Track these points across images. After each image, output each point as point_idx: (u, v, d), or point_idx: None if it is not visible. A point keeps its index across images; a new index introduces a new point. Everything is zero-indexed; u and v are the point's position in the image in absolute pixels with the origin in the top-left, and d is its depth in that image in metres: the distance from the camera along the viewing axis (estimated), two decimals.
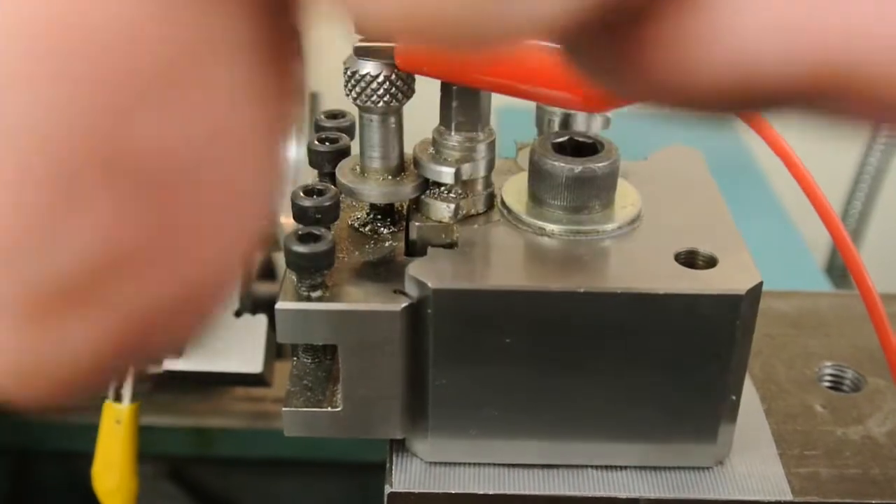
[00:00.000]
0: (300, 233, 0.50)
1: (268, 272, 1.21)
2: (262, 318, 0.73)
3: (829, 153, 1.34)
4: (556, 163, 0.54)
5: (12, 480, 1.07)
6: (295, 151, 0.85)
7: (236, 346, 0.72)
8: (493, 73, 0.50)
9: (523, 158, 0.61)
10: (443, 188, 0.55)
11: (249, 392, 1.01)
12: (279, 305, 0.51)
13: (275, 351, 0.79)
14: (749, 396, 0.61)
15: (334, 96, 0.96)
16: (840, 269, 1.23)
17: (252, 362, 0.72)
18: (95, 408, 1.00)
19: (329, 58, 1.00)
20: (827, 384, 0.64)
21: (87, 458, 1.03)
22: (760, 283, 0.51)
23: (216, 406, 1.00)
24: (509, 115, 0.57)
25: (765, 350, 0.66)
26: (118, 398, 0.72)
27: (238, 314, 0.73)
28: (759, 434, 0.58)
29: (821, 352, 0.65)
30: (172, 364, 0.72)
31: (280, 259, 1.22)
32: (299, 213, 0.52)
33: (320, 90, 0.92)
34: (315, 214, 0.51)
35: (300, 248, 0.49)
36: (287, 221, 0.81)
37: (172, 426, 0.99)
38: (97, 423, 0.93)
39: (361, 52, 0.52)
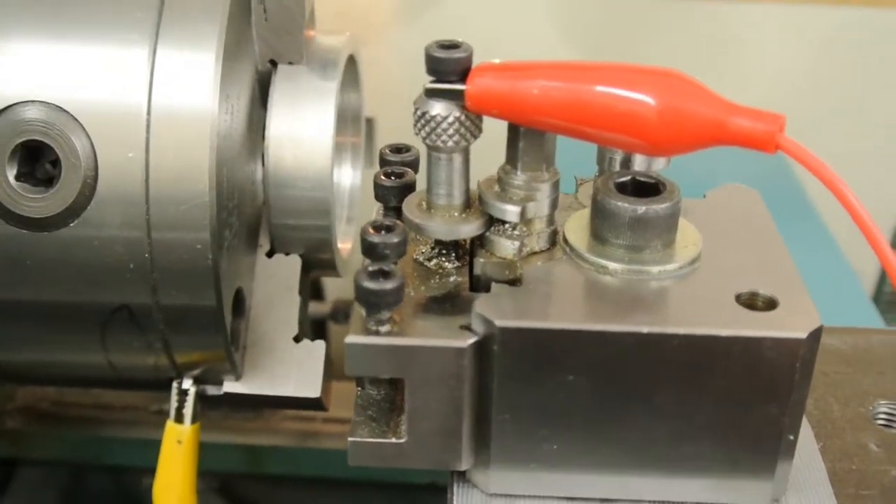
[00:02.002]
0: (370, 269, 0.52)
1: (316, 291, 1.23)
2: (320, 344, 0.75)
3: (881, 177, 1.34)
4: (619, 203, 0.55)
5: (66, 494, 1.10)
6: (353, 177, 0.87)
7: (295, 371, 0.74)
8: (560, 116, 0.51)
9: (584, 194, 0.62)
10: (507, 226, 0.56)
11: (299, 412, 1.02)
12: (349, 339, 0.52)
13: (330, 375, 0.80)
14: (804, 434, 0.62)
15: (388, 121, 0.98)
16: (888, 297, 1.23)
17: (310, 387, 0.73)
18: (147, 423, 1.03)
19: (380, 81, 1.02)
20: (881, 422, 0.64)
21: (137, 472, 1.06)
22: (820, 328, 0.51)
23: (267, 424, 1.02)
24: (563, 148, 0.58)
25: (819, 387, 0.66)
26: (180, 419, 0.74)
27: (297, 339, 0.75)
28: (814, 473, 0.59)
29: (875, 390, 0.66)
30: (231, 386, 0.74)
31: (328, 280, 1.23)
32: (368, 249, 0.53)
33: (375, 115, 0.94)
34: (384, 251, 0.53)
35: (370, 285, 0.51)
36: (344, 247, 0.82)
37: (224, 443, 1.01)
38: (149, 437, 0.96)
39: (432, 94, 0.53)
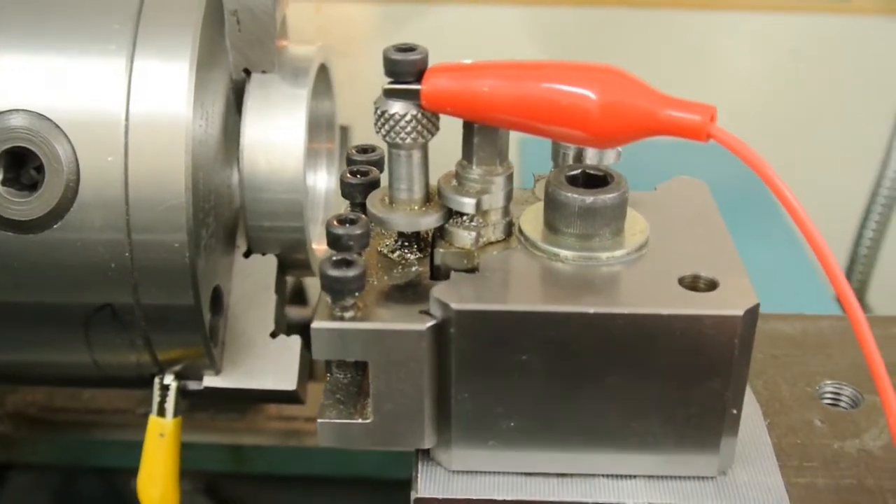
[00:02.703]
0: (334, 259, 0.55)
1: (300, 297, 1.26)
2: (296, 339, 0.78)
3: (843, 184, 1.38)
4: (569, 194, 0.58)
5: (57, 497, 1.13)
6: (328, 181, 0.91)
7: (272, 365, 0.77)
8: (509, 112, 0.55)
9: (540, 189, 0.66)
10: (465, 217, 0.60)
11: (282, 411, 1.05)
12: (315, 325, 0.55)
13: (308, 371, 0.83)
14: (752, 412, 0.65)
15: (365, 129, 1.02)
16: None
17: (287, 380, 0.77)
18: (136, 425, 1.05)
19: (358, 92, 1.06)
20: (827, 401, 0.67)
21: (127, 473, 1.08)
22: (757, 305, 0.55)
23: (251, 425, 1.05)
24: (531, 146, 0.61)
25: (769, 369, 0.70)
26: (162, 413, 0.77)
27: (274, 335, 0.78)
28: (760, 447, 0.62)
29: (822, 371, 0.69)
30: (211, 381, 0.77)
31: (311, 284, 1.27)
32: (333, 241, 0.57)
33: (351, 123, 0.97)
34: (348, 242, 0.56)
35: (334, 273, 0.54)
36: (319, 248, 0.86)
37: (209, 443, 1.04)
38: (137, 439, 0.98)
39: (390, 94, 0.57)
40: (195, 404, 0.86)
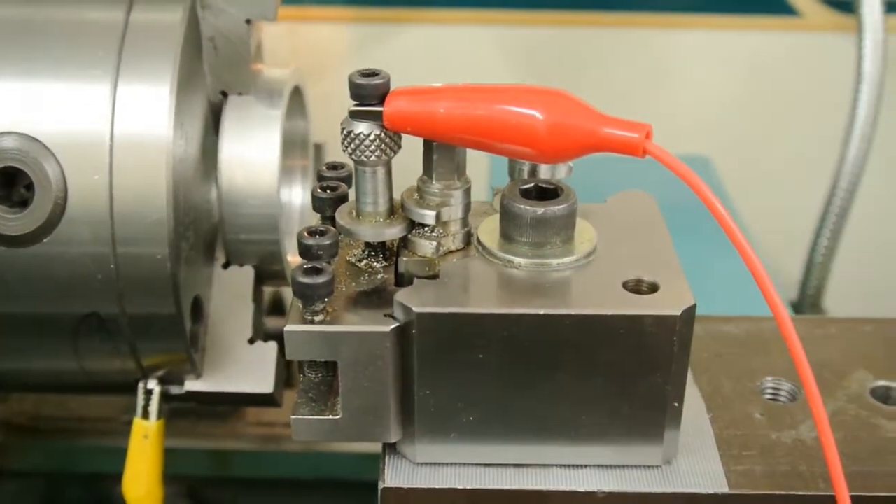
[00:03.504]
0: (305, 267, 0.60)
1: (278, 308, 1.31)
2: (272, 345, 0.83)
3: (798, 195, 1.43)
4: (522, 206, 0.63)
5: (44, 502, 1.16)
6: (304, 196, 0.96)
7: (250, 370, 0.82)
8: (463, 131, 0.60)
9: (498, 202, 0.71)
10: (426, 228, 0.64)
11: (261, 418, 1.10)
12: (287, 328, 0.60)
13: (284, 378, 0.88)
14: (696, 406, 0.70)
15: (339, 145, 1.06)
16: (811, 299, 1.32)
17: (264, 383, 0.81)
18: (120, 433, 1.10)
19: (332, 111, 1.11)
20: (768, 396, 0.72)
21: (112, 479, 1.12)
22: (694, 306, 0.60)
23: (231, 430, 1.09)
24: (500, 162, 0.66)
25: (713, 367, 0.75)
26: (146, 416, 0.81)
27: (251, 341, 0.83)
28: (703, 438, 0.67)
29: (763, 368, 0.74)
30: (192, 385, 0.81)
31: (288, 295, 1.31)
32: (304, 251, 0.61)
33: (325, 141, 1.02)
34: (317, 251, 0.61)
35: (304, 280, 0.59)
36: (293, 259, 0.91)
37: (191, 449, 1.08)
38: (122, 446, 1.02)
39: (355, 115, 0.61)
40: (177, 411, 0.90)
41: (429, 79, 0.62)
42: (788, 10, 1.56)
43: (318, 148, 1.00)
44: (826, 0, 1.54)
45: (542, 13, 1.59)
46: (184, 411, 1.08)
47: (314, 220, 0.70)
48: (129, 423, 1.08)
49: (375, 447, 1.08)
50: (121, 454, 0.96)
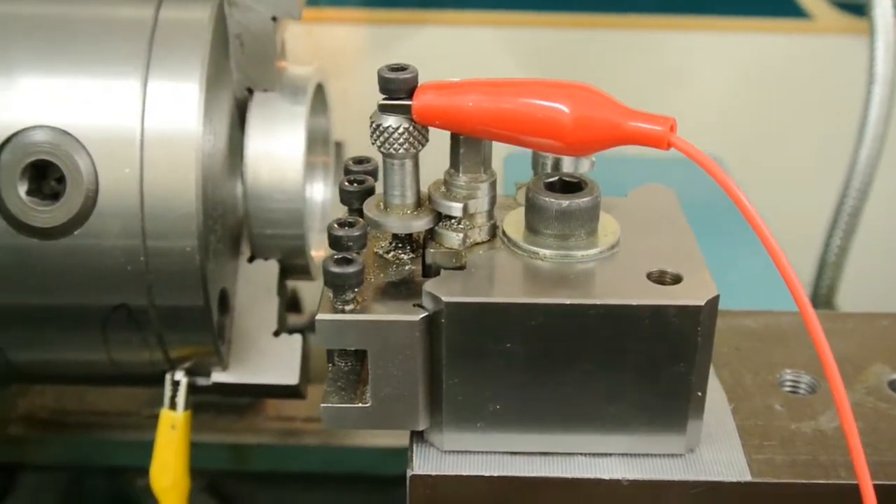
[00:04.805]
0: (336, 257, 0.61)
1: (296, 306, 1.32)
2: (297, 337, 0.84)
3: (811, 195, 1.44)
4: (547, 199, 0.65)
5: (65, 496, 1.18)
6: (325, 193, 0.97)
7: (275, 361, 0.83)
8: (491, 124, 0.61)
9: (521, 196, 0.72)
10: (453, 220, 0.66)
11: (281, 412, 1.11)
12: (319, 317, 0.61)
13: (308, 372, 0.89)
14: (718, 398, 0.71)
15: (356, 145, 1.08)
16: (823, 298, 1.33)
17: (289, 375, 0.82)
18: (141, 426, 1.11)
19: (349, 111, 1.12)
20: (787, 388, 0.73)
21: (133, 472, 1.14)
22: (717, 297, 0.61)
23: (251, 424, 1.10)
24: (514, 159, 0.68)
25: (734, 360, 0.76)
26: (173, 407, 0.82)
27: (276, 333, 0.84)
28: (725, 429, 0.68)
29: (782, 361, 0.75)
30: (219, 377, 0.83)
31: (306, 294, 1.33)
32: (334, 242, 0.63)
33: (345, 139, 1.04)
34: (347, 242, 0.62)
35: (336, 269, 0.60)
36: (317, 255, 0.92)
37: (211, 443, 1.09)
38: (143, 439, 1.04)
39: (384, 109, 0.63)
40: (197, 405, 0.91)
41: (442, 78, 0.64)
42: (799, 13, 1.57)
43: (339, 146, 1.02)
44: (836, 3, 1.55)
45: (553, 15, 1.60)
46: (203, 405, 1.09)
47: (335, 216, 0.71)
48: (151, 417, 1.09)
49: (394, 441, 1.10)
50: (141, 447, 0.98)
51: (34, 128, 0.73)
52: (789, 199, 1.60)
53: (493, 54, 1.61)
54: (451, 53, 1.61)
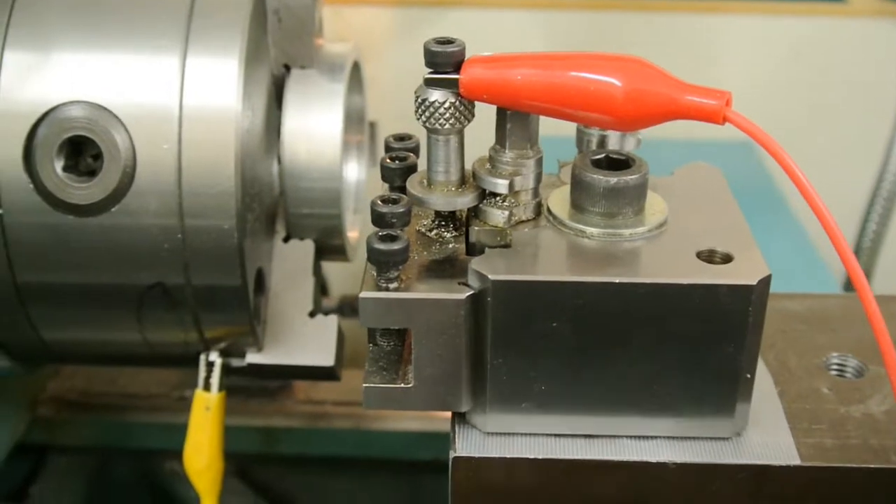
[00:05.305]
0: (380, 234, 0.60)
1: (322, 289, 1.31)
2: (333, 318, 0.83)
3: (846, 180, 1.43)
4: (594, 175, 0.63)
5: (93, 478, 1.17)
6: (359, 172, 0.96)
7: (310, 342, 0.82)
8: (540, 98, 0.60)
9: (565, 174, 0.71)
10: (498, 198, 0.64)
11: (311, 395, 1.10)
12: (363, 294, 0.60)
13: (343, 354, 0.88)
14: (764, 381, 0.70)
15: (386, 126, 1.07)
16: None
17: (325, 356, 0.82)
18: (170, 409, 1.11)
19: (379, 93, 1.11)
20: (834, 371, 0.72)
21: (161, 455, 1.13)
22: (769, 276, 0.60)
23: (281, 408, 1.10)
24: (546, 142, 0.67)
25: (779, 343, 0.74)
26: (207, 388, 0.82)
27: (312, 314, 0.83)
28: (772, 412, 0.67)
29: (828, 344, 0.74)
30: (253, 357, 0.82)
31: (332, 278, 1.32)
32: (377, 219, 0.61)
33: (378, 119, 1.03)
34: (391, 219, 0.61)
35: (381, 246, 0.59)
36: (352, 235, 0.91)
37: (241, 426, 1.08)
38: (172, 422, 1.03)
39: (430, 83, 0.61)
40: (228, 388, 0.91)
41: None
42: None
43: (373, 126, 1.01)
44: None
45: None
46: (234, 389, 1.09)
47: (369, 196, 0.70)
48: (180, 399, 1.09)
49: (425, 425, 1.09)
50: (171, 430, 0.97)
51: (71, 103, 0.72)
52: (824, 183, 1.58)
53: (523, 37, 1.60)
54: (479, 36, 1.59)
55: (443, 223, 0.66)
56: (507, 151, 0.64)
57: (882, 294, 0.70)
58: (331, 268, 1.16)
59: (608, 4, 1.58)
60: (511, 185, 0.63)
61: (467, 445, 0.64)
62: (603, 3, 1.58)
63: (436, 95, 0.61)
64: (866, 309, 0.57)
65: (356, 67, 0.91)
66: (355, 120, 0.97)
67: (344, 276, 1.29)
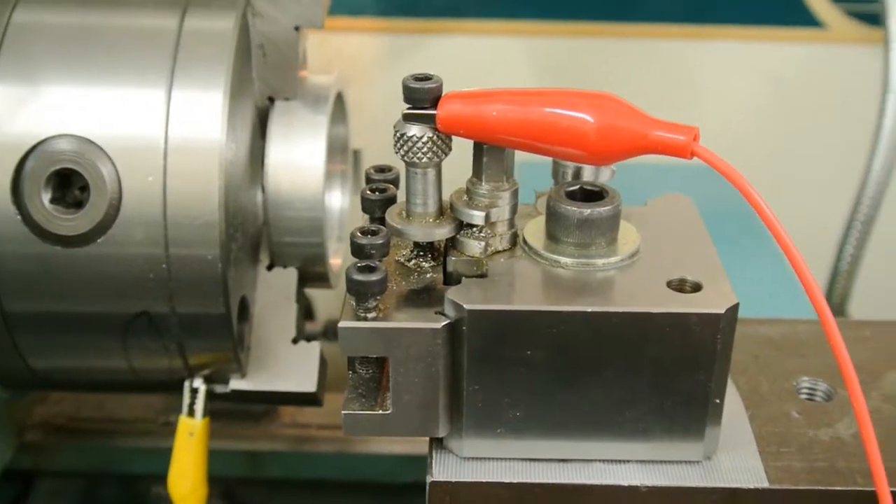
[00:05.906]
0: (359, 265, 0.62)
1: (308, 314, 1.33)
2: (315, 345, 0.85)
3: (824, 205, 1.45)
4: (568, 207, 0.65)
5: (79, 502, 1.18)
6: (342, 201, 0.97)
7: (293, 369, 0.83)
8: (515, 133, 0.62)
9: (541, 204, 0.73)
10: (474, 229, 0.66)
11: (296, 419, 1.12)
12: (342, 324, 0.62)
13: (323, 383, 0.89)
14: (735, 405, 0.72)
15: (372, 153, 1.09)
16: (835, 307, 1.33)
17: (307, 382, 0.83)
18: (156, 434, 1.12)
19: (364, 120, 1.13)
20: (804, 395, 0.74)
21: (149, 479, 1.14)
22: (737, 305, 0.61)
23: (266, 431, 1.11)
24: (528, 168, 0.68)
25: (751, 368, 0.76)
26: (191, 414, 0.83)
27: (295, 341, 0.85)
28: (742, 436, 0.69)
29: (799, 368, 0.76)
30: (237, 384, 0.83)
31: (319, 303, 1.33)
32: (357, 250, 0.63)
33: (362, 147, 1.04)
34: (370, 250, 0.63)
35: (359, 277, 0.61)
36: (335, 263, 0.92)
37: (226, 450, 1.10)
38: (158, 447, 1.04)
39: (408, 118, 0.63)
40: (211, 412, 0.92)
41: (457, 90, 0.64)
42: (813, 23, 1.57)
43: (357, 154, 1.02)
44: (851, 13, 1.56)
45: (569, 24, 1.61)
46: (218, 412, 1.10)
47: (353, 224, 0.72)
48: (166, 425, 1.10)
49: (408, 449, 1.10)
50: (157, 455, 0.98)
51: (58, 136, 0.74)
52: (802, 208, 1.60)
53: (509, 64, 1.62)
54: (466, 63, 1.61)
55: (421, 253, 0.68)
56: (483, 184, 0.66)
57: (856, 319, 0.71)
58: (317, 292, 1.18)
59: (591, 31, 1.60)
60: (487, 217, 0.65)
61: (444, 470, 0.65)
62: (586, 30, 1.61)
63: (414, 130, 0.63)
64: (829, 336, 0.58)
65: (339, 98, 0.93)
66: (339, 149, 0.98)
67: (330, 300, 1.30)
